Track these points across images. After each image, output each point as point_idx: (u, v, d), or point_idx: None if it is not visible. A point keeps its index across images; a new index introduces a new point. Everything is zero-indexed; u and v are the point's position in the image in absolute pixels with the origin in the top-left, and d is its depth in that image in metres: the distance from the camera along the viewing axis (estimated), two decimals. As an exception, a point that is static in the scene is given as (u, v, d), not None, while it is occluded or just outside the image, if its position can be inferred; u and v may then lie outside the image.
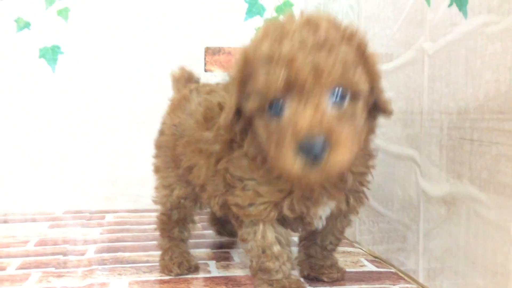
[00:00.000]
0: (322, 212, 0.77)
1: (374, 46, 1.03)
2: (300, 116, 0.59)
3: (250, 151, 0.72)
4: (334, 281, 0.86)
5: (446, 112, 0.78)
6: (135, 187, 1.54)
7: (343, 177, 0.73)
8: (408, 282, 0.88)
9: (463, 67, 0.74)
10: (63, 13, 1.47)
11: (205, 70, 1.56)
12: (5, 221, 1.36)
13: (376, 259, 1.02)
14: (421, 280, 0.87)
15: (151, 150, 1.50)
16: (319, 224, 0.79)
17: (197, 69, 1.53)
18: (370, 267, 0.97)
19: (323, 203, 0.75)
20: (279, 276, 0.77)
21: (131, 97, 1.53)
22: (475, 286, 0.71)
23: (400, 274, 0.93)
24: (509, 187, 0.64)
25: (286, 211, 0.73)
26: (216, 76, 1.55)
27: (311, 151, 0.58)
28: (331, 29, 0.63)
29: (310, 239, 0.88)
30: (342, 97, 0.62)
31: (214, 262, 0.99)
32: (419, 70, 0.86)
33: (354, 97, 0.64)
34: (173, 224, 0.95)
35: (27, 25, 1.45)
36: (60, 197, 1.51)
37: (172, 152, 0.91)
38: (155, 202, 0.98)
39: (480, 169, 0.70)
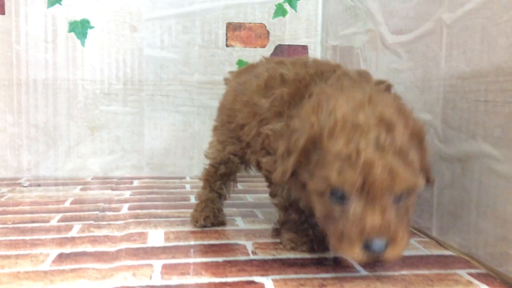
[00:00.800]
0: None
1: (394, 20, 1.10)
2: (369, 218, 0.62)
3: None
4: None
5: (462, 77, 0.85)
6: (160, 157, 1.62)
7: None
8: (422, 237, 0.95)
9: (480, 34, 0.80)
10: (93, -12, 1.53)
11: (227, 45, 1.62)
12: (39, 185, 1.44)
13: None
14: (434, 235, 0.94)
15: (174, 122, 1.59)
16: None
17: (219, 44, 1.61)
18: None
19: None
20: (305, 226, 0.85)
21: (155, 71, 1.59)
22: (486, 235, 0.78)
23: (414, 231, 1.00)
24: (519, 141, 0.70)
25: None
26: (237, 51, 1.62)
27: (376, 251, 0.62)
28: (403, 129, 0.64)
29: None
30: (402, 197, 0.65)
31: (240, 218, 1.06)
32: (437, 40, 0.92)
33: (411, 193, 0.67)
34: (218, 177, 1.02)
35: (58, 0, 1.52)
36: (89, 165, 1.59)
37: (231, 107, 0.96)
38: (206, 156, 1.04)
39: (493, 128, 0.76)
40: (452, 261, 0.82)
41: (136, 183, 1.48)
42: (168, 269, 0.75)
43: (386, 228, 0.62)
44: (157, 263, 0.77)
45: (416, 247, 0.89)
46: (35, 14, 1.52)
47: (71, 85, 1.56)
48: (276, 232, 0.94)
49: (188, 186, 1.42)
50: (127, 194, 1.31)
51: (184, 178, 1.57)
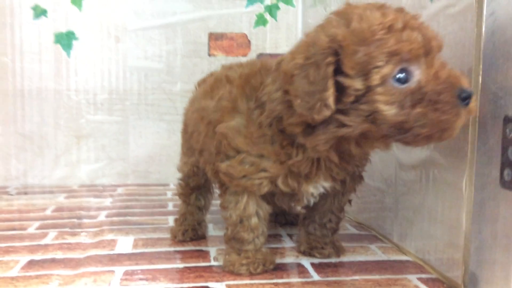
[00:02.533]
0: (313, 190, 0.79)
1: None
2: (444, 72, 0.62)
3: (319, 144, 0.69)
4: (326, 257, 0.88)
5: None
6: (144, 165, 1.66)
7: (349, 159, 0.76)
8: (384, 242, 0.98)
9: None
10: (77, 1, 1.57)
11: (209, 55, 1.66)
12: (25, 193, 1.48)
13: (359, 225, 1.12)
14: (395, 240, 0.96)
15: (158, 130, 1.63)
16: (309, 201, 0.82)
17: (202, 53, 1.64)
18: (353, 230, 1.08)
19: (316, 181, 0.77)
20: (250, 247, 0.81)
21: (139, 80, 1.63)
22: (436, 240, 0.81)
23: (379, 236, 1.03)
24: (462, 150, 0.73)
25: (280, 185, 0.76)
26: (220, 60, 1.66)
27: (470, 95, 0.61)
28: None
29: (309, 216, 0.91)
30: None
31: (212, 224, 1.09)
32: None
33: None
34: (190, 190, 1.00)
35: (43, 12, 1.56)
36: (76, 173, 1.63)
37: (185, 117, 0.99)
38: (177, 169, 1.03)
39: (440, 136, 0.79)
40: (406, 266, 0.85)
41: (120, 190, 1.52)
42: (128, 276, 0.78)
43: (459, 74, 0.63)
44: (119, 270, 0.81)
45: (375, 253, 0.92)
46: (21, 26, 1.56)
47: (57, 95, 1.60)
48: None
49: (169, 193, 1.46)
50: (108, 201, 1.34)
51: (168, 185, 1.61)
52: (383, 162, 1.01)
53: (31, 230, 1.05)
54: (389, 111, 0.62)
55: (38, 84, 1.59)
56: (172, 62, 1.64)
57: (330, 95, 0.62)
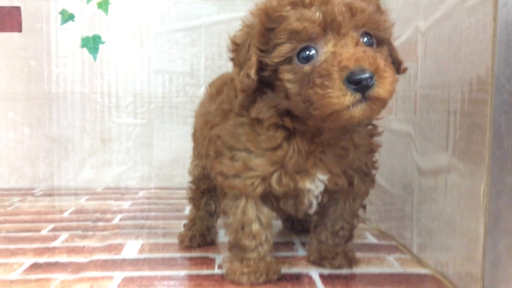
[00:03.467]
0: (312, 187, 0.75)
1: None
2: (344, 51, 0.60)
3: (262, 112, 0.70)
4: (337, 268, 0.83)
5: (434, 87, 0.81)
6: (168, 168, 1.65)
7: (345, 147, 0.73)
8: (403, 253, 0.92)
9: (447, 42, 0.76)
10: (103, 5, 1.59)
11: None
12: (49, 195, 1.50)
13: (380, 234, 1.06)
14: (415, 252, 0.90)
15: (182, 133, 1.62)
16: (312, 202, 0.78)
17: (225, 56, 1.62)
18: (372, 239, 1.01)
19: (313, 176, 0.73)
20: (253, 255, 0.77)
21: (163, 83, 1.63)
22: (454, 253, 0.75)
23: (399, 246, 0.96)
24: (479, 155, 0.66)
25: (274, 185, 0.73)
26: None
27: (362, 81, 0.59)
28: None
29: (321, 224, 0.86)
30: (370, 41, 0.65)
31: (223, 230, 1.06)
32: (413, 49, 0.89)
33: (380, 43, 0.67)
34: (201, 194, 0.98)
35: (71, 17, 1.59)
36: (101, 175, 1.64)
37: (195, 120, 0.97)
38: (188, 173, 1.01)
39: (459, 140, 0.73)
40: (423, 280, 0.78)
41: (141, 193, 1.52)
42: (126, 282, 0.76)
43: (364, 56, 0.59)
44: (119, 276, 0.79)
45: (391, 264, 0.86)
46: (50, 31, 1.59)
47: (84, 98, 1.62)
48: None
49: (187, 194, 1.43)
50: (127, 204, 1.34)
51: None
52: (403, 168, 0.95)
53: (44, 232, 1.05)
54: (291, 89, 0.64)
55: (65, 88, 1.61)
56: (196, 65, 1.63)
57: (251, 66, 0.65)
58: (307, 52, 0.62)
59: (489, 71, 0.63)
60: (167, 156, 1.65)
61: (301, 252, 0.93)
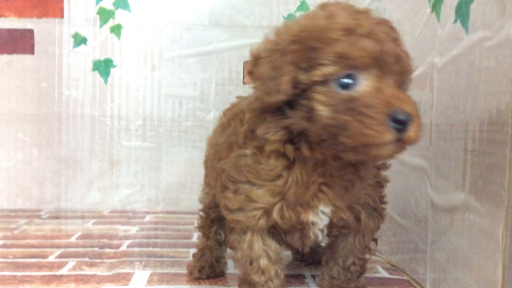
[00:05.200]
0: (316, 220, 0.73)
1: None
2: (389, 89, 0.62)
3: (270, 133, 0.69)
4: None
5: (450, 123, 0.81)
6: (175, 192, 1.64)
7: (350, 180, 0.72)
8: (416, 290, 0.91)
9: (465, 80, 0.76)
10: (116, 30, 1.60)
11: (243, 83, 1.64)
12: (56, 217, 1.49)
13: (392, 267, 1.04)
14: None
15: (191, 157, 1.61)
16: (317, 236, 0.76)
17: (236, 82, 1.63)
18: (384, 273, 1.00)
19: (315, 208, 0.72)
20: None
21: (173, 108, 1.63)
22: (471, 293, 0.73)
23: (412, 282, 0.95)
24: (498, 196, 0.66)
25: (276, 217, 0.72)
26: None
27: (404, 122, 0.60)
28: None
29: (333, 259, 0.84)
30: (404, 83, 0.68)
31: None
32: (429, 84, 0.89)
33: (406, 82, 0.69)
34: (211, 223, 0.97)
35: (83, 40, 1.60)
36: (108, 198, 1.63)
37: (206, 150, 0.96)
38: (199, 200, 1.00)
39: (476, 179, 0.72)
40: (437, 319, 0.77)
41: (148, 217, 1.51)
42: (136, 315, 0.75)
43: (406, 99, 0.62)
44: (128, 308, 0.77)
45: (404, 302, 0.84)
46: (62, 54, 1.60)
47: (93, 121, 1.62)
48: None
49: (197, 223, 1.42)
50: (134, 230, 1.33)
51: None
52: (416, 202, 0.94)
53: (51, 258, 1.04)
54: (323, 112, 0.62)
55: (75, 110, 1.61)
56: (206, 90, 1.64)
57: (285, 82, 0.63)
58: (348, 80, 0.62)
59: (509, 113, 0.63)
60: (175, 180, 1.64)
61: (312, 286, 0.91)
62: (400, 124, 0.60)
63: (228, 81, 1.64)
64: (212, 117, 1.63)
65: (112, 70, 1.61)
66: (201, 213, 0.98)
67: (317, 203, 0.72)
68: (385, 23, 0.66)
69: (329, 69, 0.61)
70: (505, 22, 0.65)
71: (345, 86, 0.62)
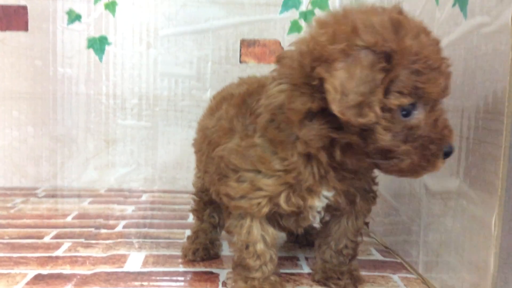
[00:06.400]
0: (318, 203, 0.74)
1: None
2: (441, 120, 0.64)
3: (313, 141, 0.66)
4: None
5: (446, 109, 0.80)
6: (172, 171, 1.64)
7: (354, 171, 0.72)
8: (409, 272, 0.91)
9: (461, 66, 0.75)
10: (110, 6, 1.58)
11: (240, 62, 1.62)
12: (53, 196, 1.49)
13: (385, 249, 1.05)
14: (420, 271, 0.89)
15: (187, 137, 1.61)
16: (315, 218, 0.77)
17: (233, 60, 1.61)
18: (377, 256, 1.01)
19: (318, 193, 0.73)
20: (258, 275, 0.77)
21: (169, 86, 1.61)
22: (462, 280, 0.74)
23: (404, 264, 0.96)
24: (492, 184, 0.66)
25: (283, 204, 0.72)
26: (251, 67, 1.62)
27: (450, 155, 0.65)
28: None
29: (325, 243, 0.85)
30: None
31: (226, 242, 1.05)
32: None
33: None
34: (204, 206, 0.97)
35: (78, 17, 1.57)
36: (104, 177, 1.63)
37: (196, 133, 0.96)
38: (192, 184, 1.00)
39: (470, 166, 0.72)
40: (428, 304, 0.78)
41: (144, 197, 1.51)
42: (130, 298, 0.76)
43: (452, 129, 0.66)
44: (123, 291, 0.78)
45: (396, 285, 0.85)
46: (56, 31, 1.58)
47: (88, 99, 1.61)
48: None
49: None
50: (130, 209, 1.33)
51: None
52: (411, 186, 0.94)
53: (47, 239, 1.05)
54: (383, 136, 0.62)
55: (70, 88, 1.60)
56: (203, 68, 1.62)
57: (377, 103, 0.59)
58: (411, 108, 0.62)
59: (505, 101, 0.63)
60: (171, 159, 1.64)
61: (305, 268, 0.92)
62: (446, 155, 0.64)
63: (225, 59, 1.62)
64: (209, 96, 1.61)
65: (107, 47, 1.59)
66: (194, 196, 0.99)
67: (320, 188, 0.72)
68: (439, 45, 0.65)
69: (405, 101, 0.60)
70: (504, 8, 0.64)
71: (407, 114, 0.62)
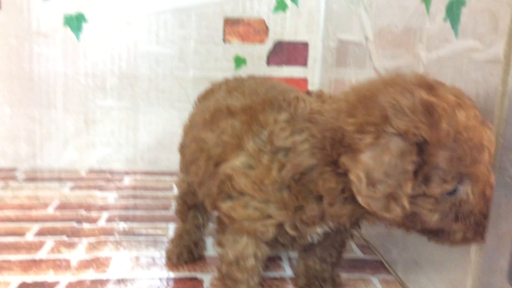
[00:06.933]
0: (320, 230, 0.73)
1: (382, 41, 1.04)
2: (490, 192, 0.58)
3: (341, 217, 0.66)
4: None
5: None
6: (154, 152, 1.63)
7: None
8: (388, 273, 0.94)
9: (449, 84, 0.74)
10: (87, -19, 1.51)
11: (224, 41, 1.58)
12: (33, 179, 1.47)
13: (365, 244, 1.07)
14: (399, 273, 0.92)
15: (169, 117, 1.58)
16: (314, 239, 0.76)
17: (216, 39, 1.57)
18: (357, 253, 1.03)
19: (324, 224, 0.72)
20: (243, 287, 0.77)
21: (150, 66, 1.57)
22: (440, 294, 0.76)
23: (384, 262, 0.98)
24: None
25: (289, 230, 0.71)
26: (235, 47, 1.58)
27: None
28: None
29: (310, 249, 0.85)
30: None
31: (212, 238, 1.06)
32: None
33: None
34: (187, 209, 0.96)
35: (53, -8, 1.50)
36: (85, 157, 1.61)
37: (183, 140, 0.94)
38: (175, 184, 0.97)
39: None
40: (406, 313, 0.81)
41: (127, 180, 1.50)
42: (115, 312, 0.76)
43: None
44: (108, 303, 0.79)
45: (376, 290, 0.88)
46: (31, 8, 1.51)
47: (66, 78, 1.56)
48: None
49: (176, 188, 1.42)
50: (112, 197, 1.32)
51: (177, 174, 1.57)
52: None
53: (29, 236, 1.04)
54: (431, 217, 0.59)
55: (47, 67, 1.54)
56: (185, 48, 1.58)
57: (406, 197, 0.55)
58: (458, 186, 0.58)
59: (494, 128, 0.62)
60: (153, 139, 1.62)
61: (288, 271, 0.94)
62: None
63: (207, 38, 1.58)
64: (191, 76, 1.59)
65: (84, 25, 1.53)
66: (178, 199, 0.98)
67: (325, 220, 0.71)
68: (478, 117, 0.59)
69: (449, 187, 0.57)
70: (496, 40, 0.63)
71: (453, 191, 0.58)
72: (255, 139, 0.71)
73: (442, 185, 0.56)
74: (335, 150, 0.61)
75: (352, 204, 0.63)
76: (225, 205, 0.73)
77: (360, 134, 0.57)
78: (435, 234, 0.62)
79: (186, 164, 0.90)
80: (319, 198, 0.67)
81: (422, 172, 0.56)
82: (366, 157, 0.56)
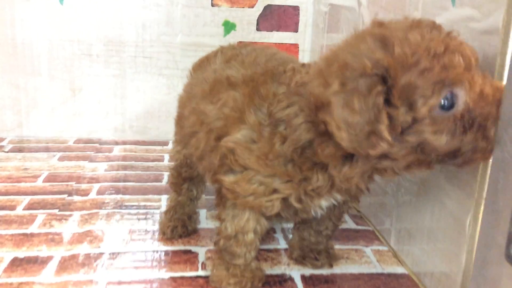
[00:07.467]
0: (325, 203, 0.74)
1: (375, 8, 1.02)
2: (486, 88, 0.57)
3: (353, 179, 0.65)
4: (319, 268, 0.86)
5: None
6: (143, 120, 1.60)
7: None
8: (381, 244, 0.95)
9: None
10: None
11: (212, 5, 1.53)
12: (20, 150, 1.45)
13: (358, 214, 1.08)
14: (392, 244, 0.93)
15: (157, 85, 1.55)
16: (317, 213, 0.76)
17: (204, 3, 1.52)
18: (350, 224, 1.04)
19: (330, 196, 0.72)
20: (240, 261, 0.77)
21: (136, 31, 1.53)
22: (433, 266, 0.77)
23: (376, 233, 0.99)
24: (469, 186, 0.66)
25: (294, 203, 0.71)
26: (224, 11, 1.54)
27: None
28: None
29: (305, 221, 0.86)
30: None
31: (205, 210, 1.06)
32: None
33: None
34: (182, 181, 0.96)
35: (33, -47, 1.43)
36: (72, 126, 1.58)
37: (181, 111, 0.91)
38: (170, 156, 0.95)
39: (449, 161, 0.72)
40: (401, 283, 0.82)
41: (116, 150, 1.48)
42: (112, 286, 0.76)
43: (500, 84, 0.61)
44: (102, 281, 0.78)
45: (369, 261, 0.89)
46: (9, -30, 1.44)
47: (50, 45, 1.51)
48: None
49: (166, 158, 1.41)
50: (102, 168, 1.31)
51: (166, 143, 1.56)
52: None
53: (20, 210, 1.03)
54: (439, 140, 0.57)
55: (30, 34, 1.49)
56: (172, 12, 1.53)
57: (385, 128, 0.55)
58: (449, 98, 0.56)
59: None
60: (141, 108, 1.59)
61: (282, 243, 0.94)
62: None
63: (195, 2, 1.53)
64: (179, 42, 1.55)
65: (67, -11, 1.47)
66: (173, 171, 0.97)
67: (331, 192, 0.71)
68: (439, 28, 0.60)
69: (433, 101, 0.56)
70: (495, 9, 0.61)
71: (447, 107, 0.57)
72: (256, 113, 0.70)
73: (426, 102, 0.56)
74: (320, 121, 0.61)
75: (356, 161, 0.63)
76: (228, 180, 0.71)
77: (326, 88, 0.57)
78: (454, 156, 0.59)
79: (184, 136, 0.88)
80: (324, 168, 0.67)
81: (403, 101, 0.56)
82: (337, 105, 0.56)
